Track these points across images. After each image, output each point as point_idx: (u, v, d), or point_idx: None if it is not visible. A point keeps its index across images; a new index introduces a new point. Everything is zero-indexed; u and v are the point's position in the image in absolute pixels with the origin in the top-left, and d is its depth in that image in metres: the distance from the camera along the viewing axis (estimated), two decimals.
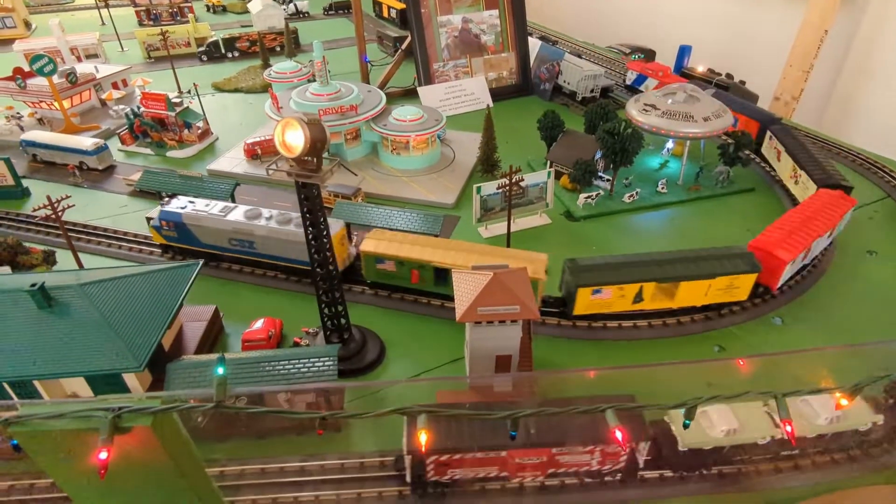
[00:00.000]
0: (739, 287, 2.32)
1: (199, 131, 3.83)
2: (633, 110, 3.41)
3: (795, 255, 2.31)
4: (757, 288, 2.39)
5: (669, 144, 3.63)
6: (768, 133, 3.50)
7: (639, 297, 2.29)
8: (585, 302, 2.30)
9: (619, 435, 1.11)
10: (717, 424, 1.75)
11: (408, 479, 1.74)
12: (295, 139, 1.68)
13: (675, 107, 3.29)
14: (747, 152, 3.42)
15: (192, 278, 2.12)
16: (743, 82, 4.71)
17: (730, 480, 1.78)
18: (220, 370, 1.13)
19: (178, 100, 3.79)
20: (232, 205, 2.67)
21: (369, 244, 2.46)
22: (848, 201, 2.43)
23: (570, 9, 6.86)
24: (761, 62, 5.36)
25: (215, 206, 2.64)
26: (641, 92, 2.91)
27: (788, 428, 1.15)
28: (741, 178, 3.46)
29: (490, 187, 2.80)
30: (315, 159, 1.75)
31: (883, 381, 1.23)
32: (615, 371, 1.95)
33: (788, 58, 4.92)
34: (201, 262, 2.21)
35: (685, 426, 1.25)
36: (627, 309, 2.32)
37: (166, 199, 2.76)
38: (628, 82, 3.74)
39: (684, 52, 5.25)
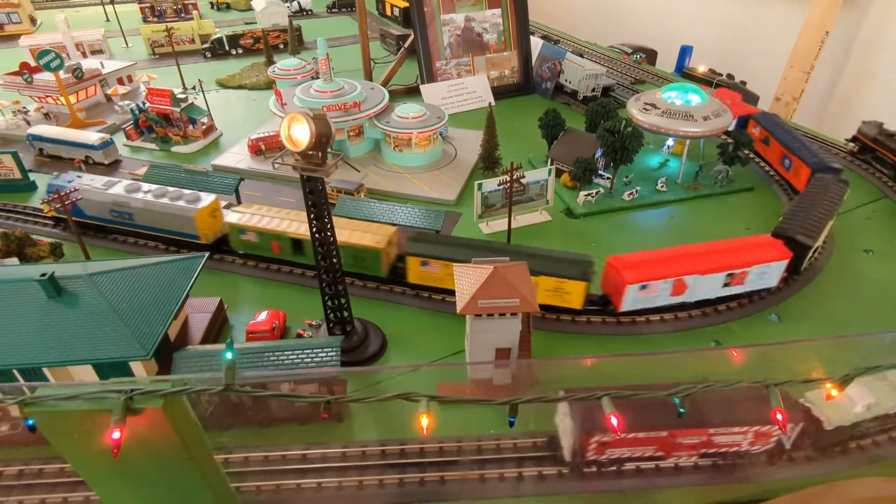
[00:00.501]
0: (571, 293, 2.29)
1: (204, 127, 3.87)
2: (634, 109, 3.44)
3: (641, 281, 2.21)
4: (607, 304, 2.37)
5: (670, 142, 3.66)
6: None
7: None
8: (417, 271, 2.42)
9: (780, 417, 1.16)
10: (857, 400, 1.79)
11: (567, 458, 1.77)
12: (301, 133, 1.72)
13: (675, 106, 3.32)
14: (746, 151, 3.45)
15: (198, 270, 2.15)
16: (744, 83, 4.75)
17: (724, 472, 1.81)
18: (229, 355, 1.17)
19: (182, 96, 3.83)
20: (115, 179, 2.84)
21: (233, 216, 2.65)
22: (782, 255, 2.32)
23: (572, 8, 6.89)
24: (762, 63, 5.38)
25: (99, 181, 2.83)
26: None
27: (780, 416, 1.19)
28: (740, 177, 3.49)
29: (491, 184, 2.83)
30: (320, 154, 1.79)
31: (872, 371, 1.26)
32: (613, 359, 1.98)
33: (789, 59, 4.94)
34: (206, 254, 2.24)
35: (679, 415, 1.29)
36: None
37: (55, 173, 2.92)
38: (731, 127, 3.37)
39: (685, 52, 5.28)
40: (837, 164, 3.06)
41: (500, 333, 1.99)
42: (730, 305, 2.45)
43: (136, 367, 1.95)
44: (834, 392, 1.27)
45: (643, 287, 2.27)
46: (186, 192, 2.70)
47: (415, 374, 2.21)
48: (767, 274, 2.33)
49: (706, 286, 2.34)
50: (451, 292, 2.28)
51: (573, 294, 2.31)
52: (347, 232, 2.48)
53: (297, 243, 2.55)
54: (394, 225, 2.67)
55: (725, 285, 2.35)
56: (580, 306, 2.34)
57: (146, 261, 2.13)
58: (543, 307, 2.38)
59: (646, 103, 3.41)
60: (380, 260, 2.47)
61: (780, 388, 1.21)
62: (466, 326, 2.06)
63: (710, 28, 5.80)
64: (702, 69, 4.81)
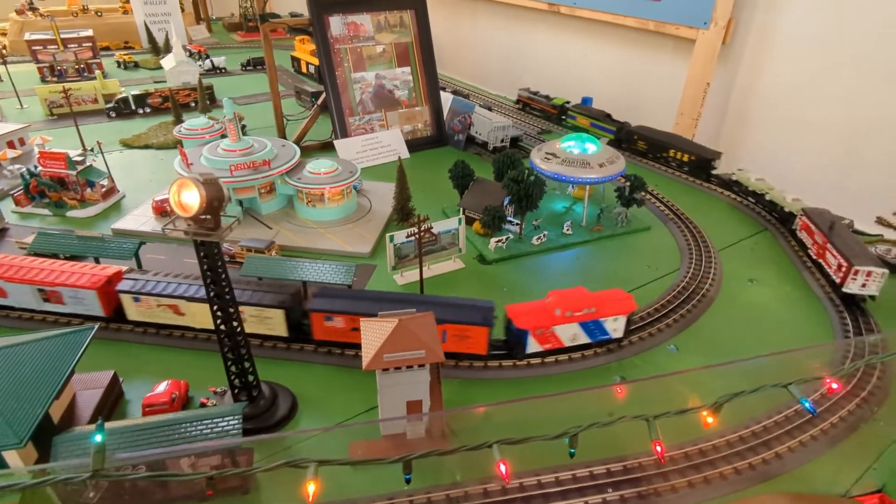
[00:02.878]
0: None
1: (104, 189, 3.70)
2: (537, 158, 3.64)
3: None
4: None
5: (572, 186, 3.87)
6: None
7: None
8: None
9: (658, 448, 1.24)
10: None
11: None
12: (190, 199, 1.69)
13: (573, 155, 3.54)
14: (643, 193, 3.70)
15: (86, 344, 2.02)
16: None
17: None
18: (98, 437, 1.09)
19: (80, 158, 3.66)
20: None
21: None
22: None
23: (480, 62, 7.28)
24: (657, 110, 5.83)
25: None
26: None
27: (658, 448, 1.26)
28: (639, 217, 3.73)
29: (401, 235, 2.88)
30: (213, 217, 1.76)
31: (740, 396, 1.36)
32: (520, 403, 2.02)
33: (679, 106, 5.39)
34: (95, 326, 2.11)
35: (571, 455, 1.33)
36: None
37: None
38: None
39: (586, 102, 5.67)
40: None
41: (410, 386, 1.99)
42: (631, 340, 2.58)
43: (11, 457, 1.76)
44: (710, 419, 1.36)
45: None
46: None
47: (327, 434, 2.15)
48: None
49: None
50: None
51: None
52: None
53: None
54: (303, 282, 2.64)
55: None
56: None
57: (25, 337, 1.98)
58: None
59: (547, 153, 3.62)
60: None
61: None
62: (377, 381, 2.04)
63: (609, 78, 6.26)
64: (752, 176, 5.11)
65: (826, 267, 2.94)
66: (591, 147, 3.60)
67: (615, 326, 2.44)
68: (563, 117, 5.31)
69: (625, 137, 4.75)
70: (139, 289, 2.49)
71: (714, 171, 4.25)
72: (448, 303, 2.43)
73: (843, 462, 2.00)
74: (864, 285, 2.62)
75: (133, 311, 2.55)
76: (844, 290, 2.69)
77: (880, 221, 2.99)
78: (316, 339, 2.48)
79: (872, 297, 2.69)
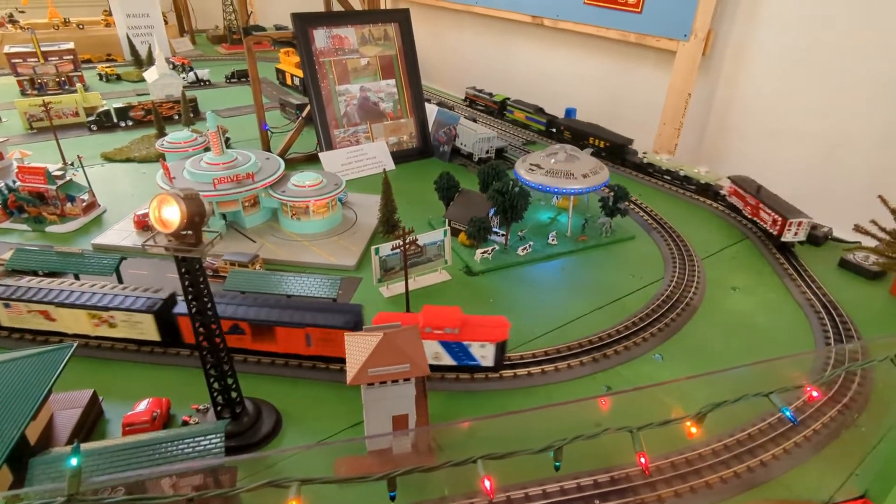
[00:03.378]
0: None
1: (84, 204, 3.65)
2: (521, 170, 3.66)
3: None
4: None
5: (556, 197, 3.90)
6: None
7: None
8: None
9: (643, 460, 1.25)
10: None
11: None
12: (171, 214, 1.67)
13: (557, 166, 3.56)
14: (627, 203, 3.73)
15: (64, 363, 1.98)
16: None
17: None
18: (74, 461, 1.07)
19: (59, 172, 3.61)
20: None
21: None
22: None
23: (465, 74, 7.32)
24: (640, 120, 5.90)
25: None
26: None
27: (643, 460, 1.26)
28: (623, 227, 3.76)
29: (387, 248, 2.87)
30: (194, 233, 1.74)
31: (722, 406, 1.37)
32: (508, 417, 2.01)
33: (661, 116, 5.45)
34: (74, 345, 2.07)
35: (556, 468, 1.32)
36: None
37: None
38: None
39: (570, 113, 5.73)
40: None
41: (395, 400, 1.97)
42: (617, 350, 2.59)
43: None
44: (693, 430, 1.37)
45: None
46: None
47: (312, 451, 2.12)
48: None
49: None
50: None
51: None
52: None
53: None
54: (288, 296, 2.62)
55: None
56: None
57: (1, 357, 1.93)
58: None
59: (531, 164, 3.64)
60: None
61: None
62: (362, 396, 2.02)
63: (592, 89, 6.33)
64: (664, 157, 5.35)
65: (761, 223, 3.53)
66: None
67: (483, 353, 2.33)
68: (504, 111, 5.89)
69: (554, 128, 5.32)
70: (9, 295, 2.47)
71: (627, 156, 4.70)
72: (312, 306, 2.42)
73: (827, 468, 2.02)
74: (795, 234, 3.26)
75: (5, 318, 2.53)
76: (782, 239, 3.28)
77: (857, 229, 3.04)
78: (186, 343, 2.48)
79: (801, 243, 3.36)
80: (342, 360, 2.39)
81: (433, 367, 2.37)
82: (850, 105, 4.31)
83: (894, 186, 3.08)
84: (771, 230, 3.36)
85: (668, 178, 4.29)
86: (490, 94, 6.00)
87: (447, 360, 2.38)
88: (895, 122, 4.09)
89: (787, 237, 3.24)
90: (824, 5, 4.26)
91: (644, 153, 4.64)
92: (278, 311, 2.41)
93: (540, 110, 5.50)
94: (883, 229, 2.99)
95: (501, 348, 2.36)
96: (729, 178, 3.83)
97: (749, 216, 3.64)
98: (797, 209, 3.37)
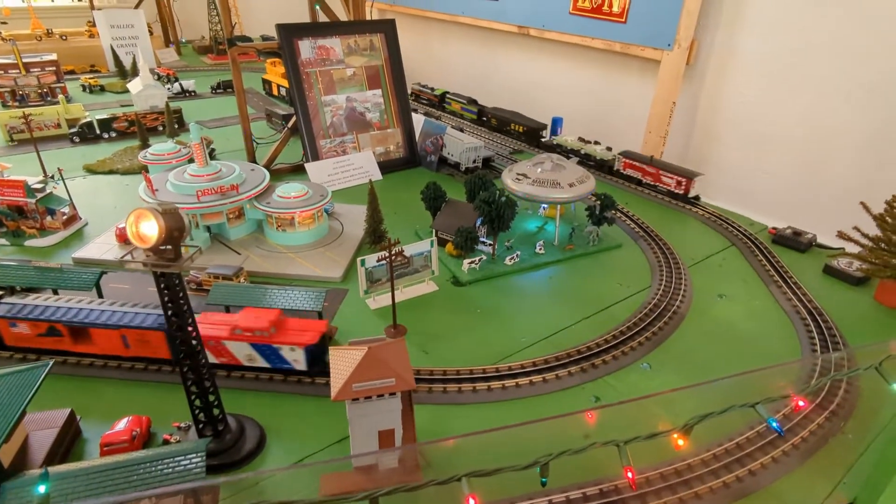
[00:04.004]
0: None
1: (65, 217, 3.59)
2: (508, 179, 3.66)
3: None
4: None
5: (544, 205, 3.90)
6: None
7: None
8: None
9: (630, 475, 1.26)
10: None
11: None
12: (149, 230, 1.64)
13: (543, 175, 3.57)
14: (613, 212, 3.74)
15: (39, 382, 1.92)
16: (609, 149, 5.20)
17: None
18: (42, 488, 1.02)
19: (39, 185, 3.55)
20: None
21: None
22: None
23: (454, 83, 7.33)
24: (627, 129, 5.94)
25: None
26: None
27: (630, 475, 1.24)
28: (609, 235, 3.76)
29: (373, 259, 2.85)
30: (173, 248, 1.71)
31: (709, 417, 1.36)
32: (497, 433, 1.99)
33: (647, 125, 5.49)
34: (50, 363, 2.02)
35: (543, 484, 1.30)
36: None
37: None
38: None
39: (557, 123, 5.75)
40: None
41: (381, 415, 1.94)
42: (605, 360, 2.58)
43: None
44: (680, 442, 1.35)
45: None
46: None
47: (297, 468, 2.08)
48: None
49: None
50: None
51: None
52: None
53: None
54: (272, 309, 2.58)
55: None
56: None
57: None
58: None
59: (518, 173, 3.64)
60: None
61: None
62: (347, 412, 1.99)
63: (579, 98, 6.37)
64: (570, 138, 5.30)
65: (664, 186, 4.27)
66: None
67: (295, 357, 2.36)
68: (443, 103, 6.44)
69: (484, 117, 5.94)
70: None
71: (543, 139, 5.29)
72: (129, 309, 2.44)
73: (815, 477, 2.02)
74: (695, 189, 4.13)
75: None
76: (690, 196, 4.13)
77: (841, 235, 3.07)
78: (8, 346, 2.47)
79: (697, 197, 4.19)
80: (164, 362, 2.44)
81: (248, 369, 2.43)
82: (832, 113, 4.37)
83: (876, 193, 3.11)
84: (676, 190, 4.18)
85: (573, 155, 4.90)
86: (432, 89, 6.52)
87: (261, 363, 2.41)
88: (877, 129, 4.15)
89: (692, 192, 4.14)
90: (806, 15, 4.32)
91: (553, 136, 5.16)
92: (97, 312, 2.40)
93: (473, 101, 6.04)
94: (866, 235, 3.02)
95: (314, 352, 2.38)
96: (620, 154, 4.57)
97: (651, 183, 4.33)
98: (692, 170, 4.22)
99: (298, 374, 2.43)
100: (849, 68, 4.20)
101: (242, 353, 2.38)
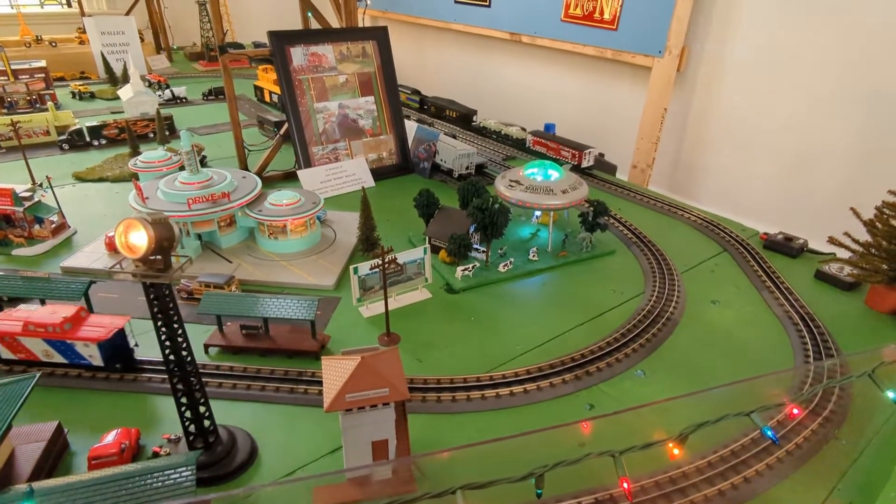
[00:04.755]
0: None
1: (53, 226, 3.55)
2: (501, 186, 3.65)
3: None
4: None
5: (537, 213, 3.90)
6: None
7: None
8: None
9: (625, 485, 1.21)
10: None
11: None
12: (138, 240, 1.61)
13: (536, 182, 3.57)
14: (606, 218, 3.74)
15: (25, 395, 1.89)
16: (602, 154, 5.23)
17: None
18: None
19: (27, 193, 3.51)
20: None
21: None
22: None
23: (447, 90, 7.35)
24: (619, 135, 5.97)
25: None
26: None
27: (625, 485, 1.23)
28: (603, 242, 3.76)
29: (365, 267, 2.83)
30: (163, 258, 1.69)
31: (704, 426, 1.35)
32: (493, 444, 1.97)
33: (639, 131, 5.52)
34: (38, 375, 1.99)
35: (538, 495, 1.29)
36: None
37: None
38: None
39: (549, 129, 5.77)
40: None
41: (375, 426, 1.92)
42: (599, 367, 2.57)
43: None
44: (676, 451, 1.35)
45: None
46: None
47: (290, 481, 2.05)
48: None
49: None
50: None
51: None
52: None
53: None
54: (264, 318, 2.56)
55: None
56: None
57: None
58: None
59: (511, 180, 3.64)
60: None
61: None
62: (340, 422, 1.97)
63: (571, 104, 6.40)
64: (493, 121, 5.94)
65: (564, 158, 4.83)
66: (554, 174, 3.65)
67: (90, 353, 2.41)
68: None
69: (425, 105, 6.50)
70: None
71: (473, 123, 5.92)
72: None
73: (810, 483, 2.01)
74: (588, 161, 4.76)
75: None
76: (583, 166, 4.73)
77: (832, 241, 3.09)
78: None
79: (590, 167, 4.82)
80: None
81: (46, 364, 2.45)
82: (822, 119, 4.41)
83: (867, 198, 3.13)
84: (573, 161, 4.73)
85: (495, 137, 5.61)
86: (404, 88, 6.82)
87: (59, 358, 2.43)
88: (867, 135, 4.20)
89: (584, 163, 4.72)
90: (795, 22, 4.37)
91: (481, 120, 5.78)
92: None
93: (416, 91, 6.64)
94: (856, 241, 3.04)
95: (108, 348, 2.41)
96: (530, 133, 5.19)
97: (555, 157, 4.88)
98: (585, 144, 4.80)
99: (95, 370, 2.46)
100: (838, 75, 4.25)
101: (39, 348, 2.41)
